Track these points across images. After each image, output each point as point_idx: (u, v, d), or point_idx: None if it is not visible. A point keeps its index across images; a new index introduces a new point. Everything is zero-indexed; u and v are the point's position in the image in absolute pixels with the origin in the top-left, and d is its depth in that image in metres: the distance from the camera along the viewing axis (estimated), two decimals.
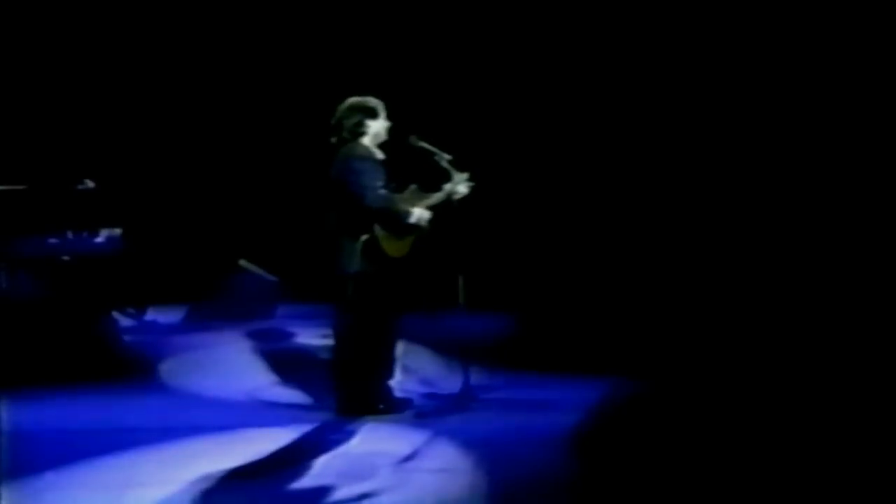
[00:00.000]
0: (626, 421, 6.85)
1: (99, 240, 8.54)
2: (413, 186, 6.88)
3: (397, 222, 6.71)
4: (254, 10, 11.27)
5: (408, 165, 6.89)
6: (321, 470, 5.84)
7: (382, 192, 6.65)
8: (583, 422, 6.60)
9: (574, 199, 10.91)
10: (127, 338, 8.95)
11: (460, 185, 6.92)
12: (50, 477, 5.69)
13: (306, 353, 8.56)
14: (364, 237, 6.62)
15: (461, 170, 6.98)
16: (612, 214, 10.76)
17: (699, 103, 10.56)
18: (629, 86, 10.81)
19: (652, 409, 7.00)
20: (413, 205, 6.79)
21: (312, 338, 8.91)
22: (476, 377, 7.20)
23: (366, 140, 6.76)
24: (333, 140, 6.80)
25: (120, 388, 7.62)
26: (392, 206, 6.70)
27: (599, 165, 10.84)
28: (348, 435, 6.44)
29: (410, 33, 11.09)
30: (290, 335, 9.27)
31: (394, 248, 6.74)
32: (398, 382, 7.10)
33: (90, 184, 8.66)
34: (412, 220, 6.75)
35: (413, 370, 7.71)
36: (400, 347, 7.05)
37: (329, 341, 7.11)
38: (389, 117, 6.88)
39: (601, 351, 8.29)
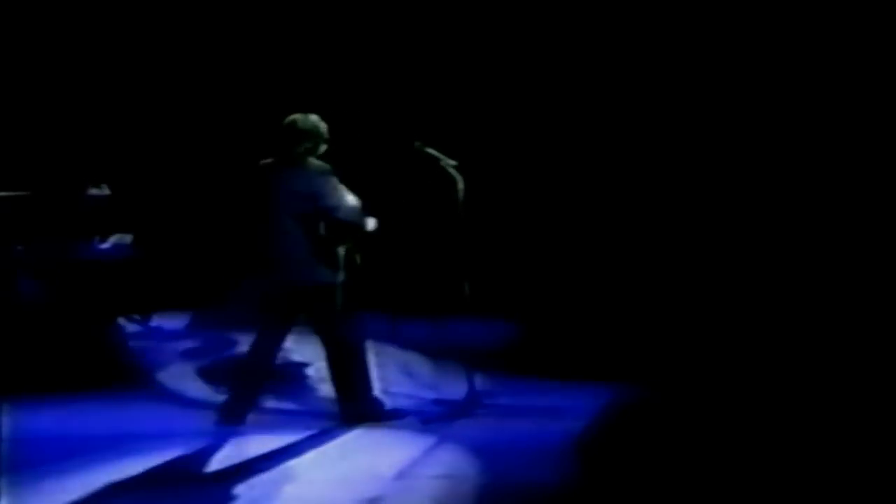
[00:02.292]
0: (632, 427, 6.85)
1: (106, 246, 8.56)
2: None
3: (361, 232, 6.91)
4: (267, 19, 11.28)
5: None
6: (324, 477, 5.86)
7: (352, 205, 6.81)
8: (588, 428, 6.60)
9: (579, 205, 10.90)
10: (132, 343, 8.96)
11: (369, 221, 7.07)
12: (49, 481, 5.71)
13: (311, 361, 8.55)
14: (342, 248, 6.81)
15: (467, 174, 7.02)
16: (617, 220, 10.75)
17: (700, 104, 10.54)
18: (632, 90, 10.80)
19: (657, 416, 6.99)
20: None
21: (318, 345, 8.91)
22: (481, 383, 7.20)
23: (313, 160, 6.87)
24: (277, 153, 6.86)
25: (124, 394, 7.63)
26: (360, 218, 6.89)
27: (605, 171, 10.84)
28: (352, 442, 6.45)
29: (410, 37, 11.10)
30: (296, 343, 9.26)
31: (358, 256, 6.97)
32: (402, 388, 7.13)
33: (105, 189, 8.68)
34: (370, 228, 6.95)
35: (419, 376, 7.73)
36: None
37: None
38: (393, 121, 6.99)
39: (607, 357, 8.28)
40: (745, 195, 10.39)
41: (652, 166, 10.73)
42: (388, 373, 7.96)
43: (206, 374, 8.32)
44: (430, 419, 6.84)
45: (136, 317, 9.83)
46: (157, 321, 10.00)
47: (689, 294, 9.86)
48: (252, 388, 6.90)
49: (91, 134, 11.05)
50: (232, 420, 6.74)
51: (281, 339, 6.97)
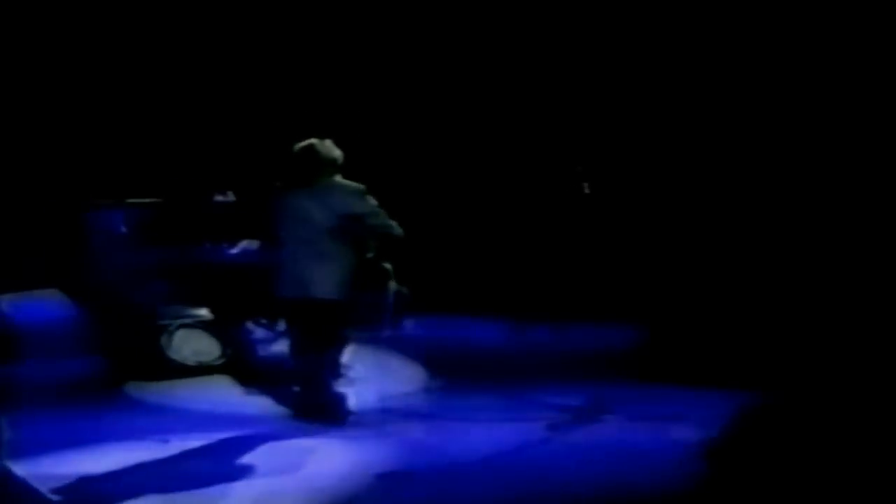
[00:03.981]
0: (759, 435, 6.74)
1: (234, 251, 8.74)
2: None
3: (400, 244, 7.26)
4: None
5: None
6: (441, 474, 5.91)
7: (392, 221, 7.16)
8: (714, 435, 6.51)
9: (704, 210, 10.79)
10: (259, 348, 9.11)
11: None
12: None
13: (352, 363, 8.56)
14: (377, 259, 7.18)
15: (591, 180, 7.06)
16: (745, 224, 10.60)
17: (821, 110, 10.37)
18: (752, 94, 10.67)
19: (785, 423, 6.88)
20: None
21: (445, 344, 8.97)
22: (607, 389, 7.18)
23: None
24: (298, 176, 7.15)
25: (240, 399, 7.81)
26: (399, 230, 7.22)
27: (733, 175, 10.70)
28: (462, 442, 6.50)
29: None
30: (421, 342, 9.31)
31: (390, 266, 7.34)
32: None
33: (231, 196, 8.89)
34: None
35: (545, 381, 7.73)
36: None
37: None
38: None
39: (733, 363, 8.17)
40: (869, 198, 10.19)
41: (779, 171, 10.58)
42: (513, 377, 8.00)
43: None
44: (556, 424, 6.85)
45: (264, 321, 10.00)
46: (283, 325, 10.16)
47: (820, 298, 9.67)
48: (318, 387, 7.07)
49: (217, 143, 11.30)
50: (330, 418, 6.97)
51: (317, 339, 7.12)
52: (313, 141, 7.16)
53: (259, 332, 9.74)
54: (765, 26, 10.65)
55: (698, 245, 10.65)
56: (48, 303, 8.86)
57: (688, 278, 10.54)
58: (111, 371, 8.14)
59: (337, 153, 7.18)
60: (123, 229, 8.77)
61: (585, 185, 7.16)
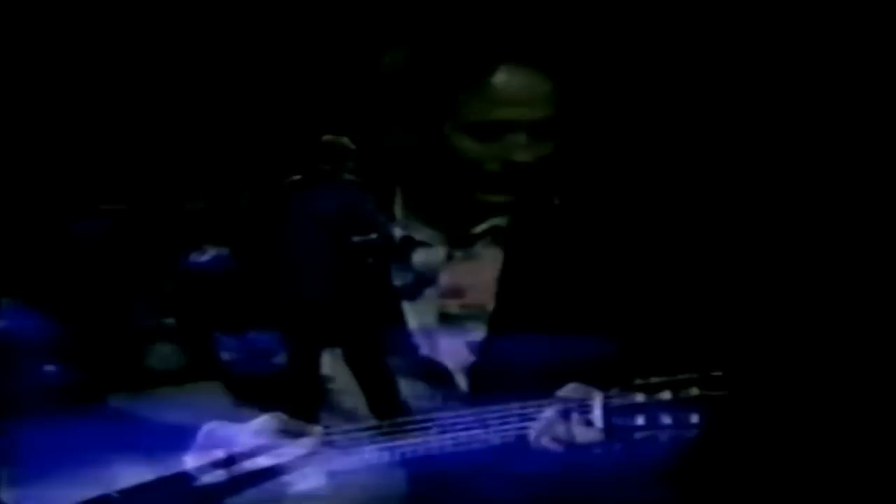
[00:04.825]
0: (728, 441, 6.76)
1: (204, 259, 8.71)
2: None
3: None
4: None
5: None
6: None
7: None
8: (687, 446, 6.54)
9: (680, 219, 10.83)
10: (226, 357, 9.10)
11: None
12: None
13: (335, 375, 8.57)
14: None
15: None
16: (721, 234, 10.65)
17: None
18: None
19: (755, 429, 6.92)
20: None
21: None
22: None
23: None
24: (328, 170, 7.11)
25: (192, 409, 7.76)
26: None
27: (706, 186, 10.75)
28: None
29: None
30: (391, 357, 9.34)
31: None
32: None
33: (199, 204, 8.87)
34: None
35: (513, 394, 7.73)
36: None
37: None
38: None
39: (708, 373, 8.19)
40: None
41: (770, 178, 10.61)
42: (490, 391, 8.00)
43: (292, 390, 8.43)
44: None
45: (239, 330, 9.99)
46: (253, 335, 10.15)
47: (787, 297, 9.73)
48: (307, 402, 7.01)
49: (182, 149, 11.28)
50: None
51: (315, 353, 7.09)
52: (326, 137, 7.13)
53: (234, 342, 9.76)
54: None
55: (672, 253, 10.68)
56: (13, 312, 8.83)
57: (663, 287, 10.57)
58: (87, 381, 8.10)
59: (351, 148, 7.14)
60: (98, 237, 8.74)
61: (555, 197, 7.15)
